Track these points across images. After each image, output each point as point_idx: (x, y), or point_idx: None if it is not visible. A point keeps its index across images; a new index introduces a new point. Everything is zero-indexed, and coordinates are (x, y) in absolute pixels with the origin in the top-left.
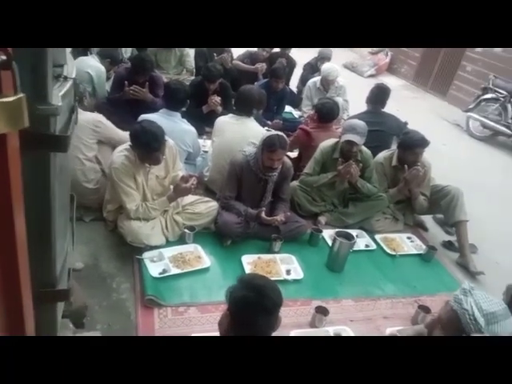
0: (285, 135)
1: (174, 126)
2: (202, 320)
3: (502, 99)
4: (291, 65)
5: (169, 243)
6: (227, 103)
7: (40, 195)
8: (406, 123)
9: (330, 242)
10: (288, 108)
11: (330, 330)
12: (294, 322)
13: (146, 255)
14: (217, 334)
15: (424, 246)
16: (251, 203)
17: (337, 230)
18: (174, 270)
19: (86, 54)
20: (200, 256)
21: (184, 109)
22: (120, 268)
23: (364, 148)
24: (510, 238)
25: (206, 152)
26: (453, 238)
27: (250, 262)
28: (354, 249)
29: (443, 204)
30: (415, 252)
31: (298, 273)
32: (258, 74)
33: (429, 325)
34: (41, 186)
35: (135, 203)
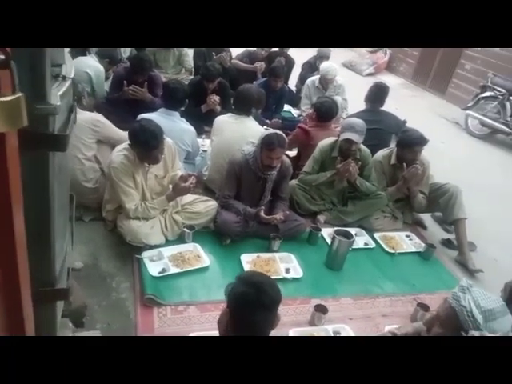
0: (283, 134)
1: (172, 125)
2: (202, 319)
3: (500, 97)
4: (290, 64)
5: (168, 242)
6: (226, 102)
7: (39, 195)
8: (404, 121)
9: (329, 241)
10: (287, 107)
11: (329, 329)
12: (293, 320)
13: (146, 254)
14: (216, 332)
15: (423, 244)
16: (250, 202)
17: (336, 228)
18: (174, 269)
19: (85, 54)
20: (199, 255)
21: (183, 108)
22: (119, 267)
23: (363, 146)
24: (508, 236)
25: (205, 151)
26: (451, 236)
27: (249, 261)
28: (353, 247)
29: (442, 202)
30: (414, 250)
31: (297, 271)
32: (256, 73)
33: (427, 322)
34: (40, 185)
35: (134, 203)
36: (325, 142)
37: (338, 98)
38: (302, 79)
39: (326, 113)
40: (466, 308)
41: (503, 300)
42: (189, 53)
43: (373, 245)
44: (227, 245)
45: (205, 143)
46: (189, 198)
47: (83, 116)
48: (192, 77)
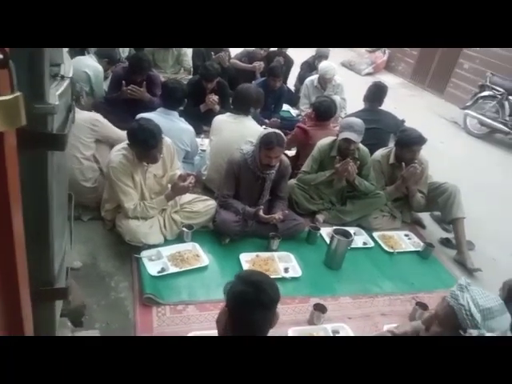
0: (282, 133)
1: (171, 124)
2: (201, 318)
3: (499, 96)
4: (289, 63)
5: (167, 242)
6: (225, 102)
7: (38, 194)
8: (403, 121)
9: (327, 240)
10: (286, 106)
11: (328, 328)
12: (292, 319)
13: (145, 254)
14: (215, 332)
15: (421, 244)
16: (249, 201)
17: (334, 227)
18: (173, 269)
19: (84, 54)
20: (198, 254)
21: (182, 108)
22: (118, 267)
23: (361, 146)
24: (507, 235)
25: (203, 151)
26: (450, 235)
27: (248, 260)
28: (352, 246)
29: (440, 201)
30: (413, 249)
31: (296, 271)
32: (255, 73)
33: (426, 321)
34: (38, 184)
35: (133, 202)
36: (323, 141)
37: (337, 98)
38: (300, 79)
39: (324, 112)
40: (464, 307)
41: (502, 299)
42: (188, 52)
43: (371, 244)
44: (226, 244)
45: (204, 143)
46: (188, 197)
47: (82, 115)
48: (191, 76)
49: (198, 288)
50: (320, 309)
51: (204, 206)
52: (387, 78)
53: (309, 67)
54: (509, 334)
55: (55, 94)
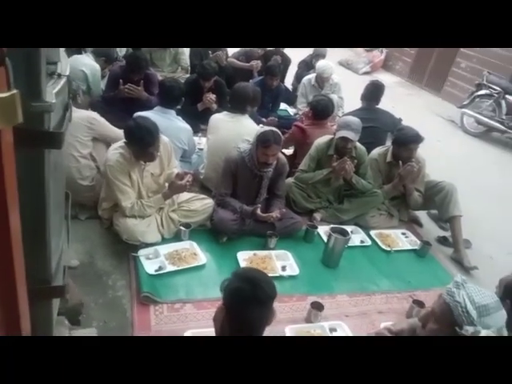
0: (279, 131)
1: (169, 123)
2: (198, 316)
3: (495, 95)
4: (286, 62)
5: (164, 240)
6: (222, 101)
7: (35, 192)
8: (400, 119)
9: (325, 238)
10: (283, 105)
11: (325, 325)
12: (289, 317)
13: (142, 252)
14: (212, 329)
15: (418, 242)
16: (247, 200)
17: (332, 226)
18: (170, 267)
19: (81, 53)
20: (196, 253)
21: (179, 106)
22: (116, 265)
23: (358, 144)
24: (504, 234)
25: (201, 149)
26: (447, 234)
27: (245, 259)
28: (349, 245)
29: (437, 200)
30: (410, 247)
31: (293, 269)
32: (253, 72)
33: (422, 318)
34: (35, 182)
35: (130, 201)
36: (321, 140)
37: (334, 97)
38: (298, 78)
39: (322, 111)
40: (460, 304)
41: (498, 296)
42: (185, 51)
43: (369, 242)
44: (224, 243)
45: (201, 141)
46: (185, 196)
47: (79, 114)
48: (188, 75)
49: (195, 286)
50: (317, 307)
51: (201, 204)
52: (385, 77)
53: (306, 66)
54: (504, 331)
55: (52, 92)
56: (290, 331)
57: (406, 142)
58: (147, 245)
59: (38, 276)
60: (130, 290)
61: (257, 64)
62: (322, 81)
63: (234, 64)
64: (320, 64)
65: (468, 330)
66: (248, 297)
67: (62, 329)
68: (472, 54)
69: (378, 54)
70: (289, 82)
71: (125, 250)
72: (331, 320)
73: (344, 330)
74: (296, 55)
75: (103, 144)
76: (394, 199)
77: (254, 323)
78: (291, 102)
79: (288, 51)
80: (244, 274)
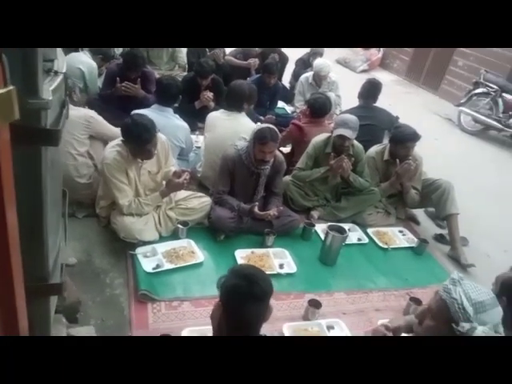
0: (276, 128)
1: (166, 121)
2: (196, 314)
3: (492, 93)
4: (283, 60)
5: (162, 238)
6: (220, 99)
7: (31, 189)
8: (397, 117)
9: (322, 236)
10: (281, 103)
11: (322, 323)
12: (287, 315)
13: (140, 250)
14: (210, 327)
15: (416, 240)
16: (244, 198)
17: (329, 224)
18: (168, 265)
19: (77, 50)
20: (193, 251)
21: (176, 104)
22: (113, 263)
23: (356, 142)
24: (500, 231)
25: (198, 148)
26: (444, 231)
27: (243, 257)
28: (347, 242)
29: (434, 198)
30: (407, 245)
31: (290, 267)
32: (250, 70)
33: (419, 315)
34: (32, 180)
35: (128, 199)
36: (318, 138)
37: (332, 95)
38: (295, 76)
39: (319, 109)
40: (456, 300)
41: (494, 293)
42: (182, 49)
43: (366, 240)
44: (221, 241)
45: (198, 139)
46: (183, 194)
47: (76, 112)
48: (185, 73)
49: (193, 284)
50: (315, 304)
51: (199, 202)
52: (382, 75)
53: (304, 64)
54: (500, 327)
55: (49, 89)
56: (287, 329)
57: (404, 140)
58: (145, 243)
59: (36, 273)
60: (128, 287)
61: (254, 62)
62: (319, 79)
63: (232, 62)
64: (317, 62)
65: (464, 327)
66: (244, 293)
67: (60, 327)
68: (469, 52)
69: (376, 53)
70: (286, 80)
71: (122, 248)
72: (329, 317)
73: (341, 328)
74: (293, 53)
75: (100, 142)
76: (391, 197)
77: (250, 320)
78: (289, 100)
79: (285, 49)
80: (240, 270)
